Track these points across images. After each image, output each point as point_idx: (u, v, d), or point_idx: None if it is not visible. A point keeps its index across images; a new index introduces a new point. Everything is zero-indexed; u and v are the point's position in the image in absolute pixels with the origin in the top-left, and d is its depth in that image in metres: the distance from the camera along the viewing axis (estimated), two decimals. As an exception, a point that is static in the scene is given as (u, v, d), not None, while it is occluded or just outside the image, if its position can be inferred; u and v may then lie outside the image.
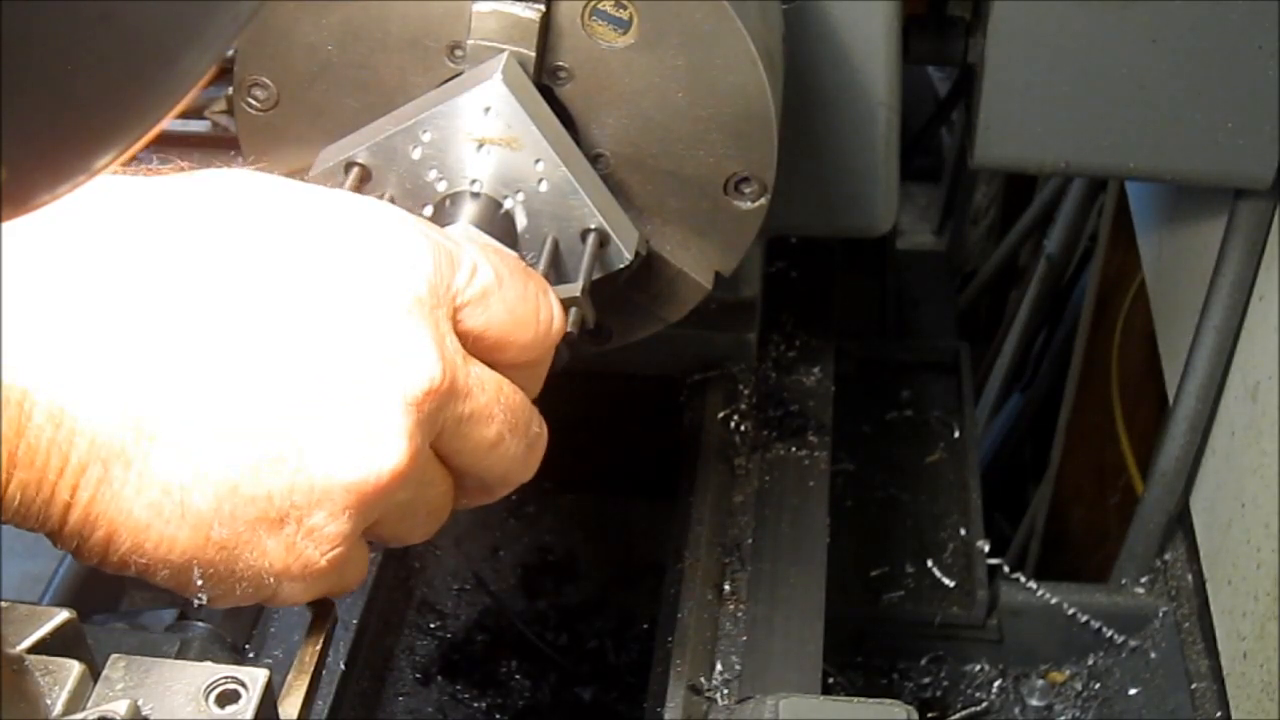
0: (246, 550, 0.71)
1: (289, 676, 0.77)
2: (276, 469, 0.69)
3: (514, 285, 0.80)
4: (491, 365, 0.79)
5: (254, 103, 0.95)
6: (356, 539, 0.75)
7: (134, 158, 0.47)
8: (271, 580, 0.72)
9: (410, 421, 0.72)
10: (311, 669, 0.77)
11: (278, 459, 0.69)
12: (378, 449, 0.71)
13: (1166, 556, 1.39)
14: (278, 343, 0.70)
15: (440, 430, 0.75)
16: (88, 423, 0.66)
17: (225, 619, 1.03)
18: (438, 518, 0.81)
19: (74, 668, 0.66)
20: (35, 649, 0.67)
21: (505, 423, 0.79)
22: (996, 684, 1.41)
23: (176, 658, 0.93)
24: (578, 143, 0.92)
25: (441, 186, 0.89)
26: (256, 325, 0.70)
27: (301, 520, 0.71)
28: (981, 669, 1.42)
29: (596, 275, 0.90)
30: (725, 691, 1.01)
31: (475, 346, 0.78)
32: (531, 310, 0.80)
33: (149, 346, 0.68)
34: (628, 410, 1.34)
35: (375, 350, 0.72)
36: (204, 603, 0.72)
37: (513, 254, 0.86)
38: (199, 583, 0.71)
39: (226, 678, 0.68)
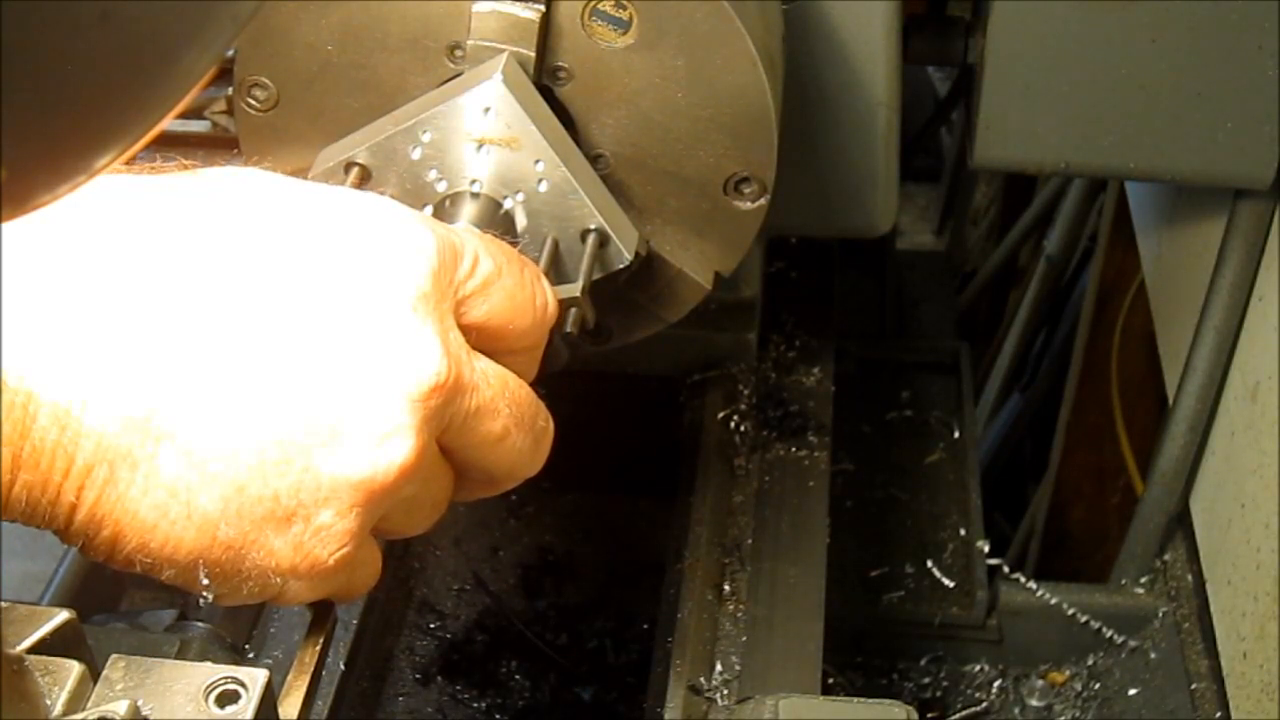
0: (253, 549, 0.71)
1: (289, 676, 0.77)
2: (283, 468, 0.70)
3: (511, 273, 0.80)
4: (489, 354, 0.79)
5: (254, 103, 0.95)
6: (365, 538, 0.75)
7: (134, 158, 0.47)
8: (278, 579, 0.72)
9: (417, 418, 0.72)
10: (311, 669, 0.77)
11: (284, 458, 0.70)
12: (385, 446, 0.71)
13: (1166, 556, 1.39)
14: (283, 342, 0.70)
15: (446, 425, 0.75)
16: (93, 424, 0.66)
17: (225, 619, 1.03)
18: (439, 510, 0.82)
19: (74, 668, 0.66)
20: (35, 649, 0.67)
21: (511, 417, 0.79)
22: (996, 684, 1.41)
23: (176, 658, 0.93)
24: (578, 143, 0.92)
25: (441, 187, 0.89)
26: (262, 325, 0.70)
27: (309, 519, 0.71)
28: (981, 669, 1.42)
29: (596, 275, 0.90)
30: (725, 691, 1.01)
31: (476, 337, 0.78)
32: (529, 297, 0.81)
33: (154, 347, 0.68)
34: (628, 410, 1.34)
35: (380, 347, 0.72)
36: (210, 601, 0.73)
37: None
38: (205, 581, 0.71)
39: (226, 678, 0.68)
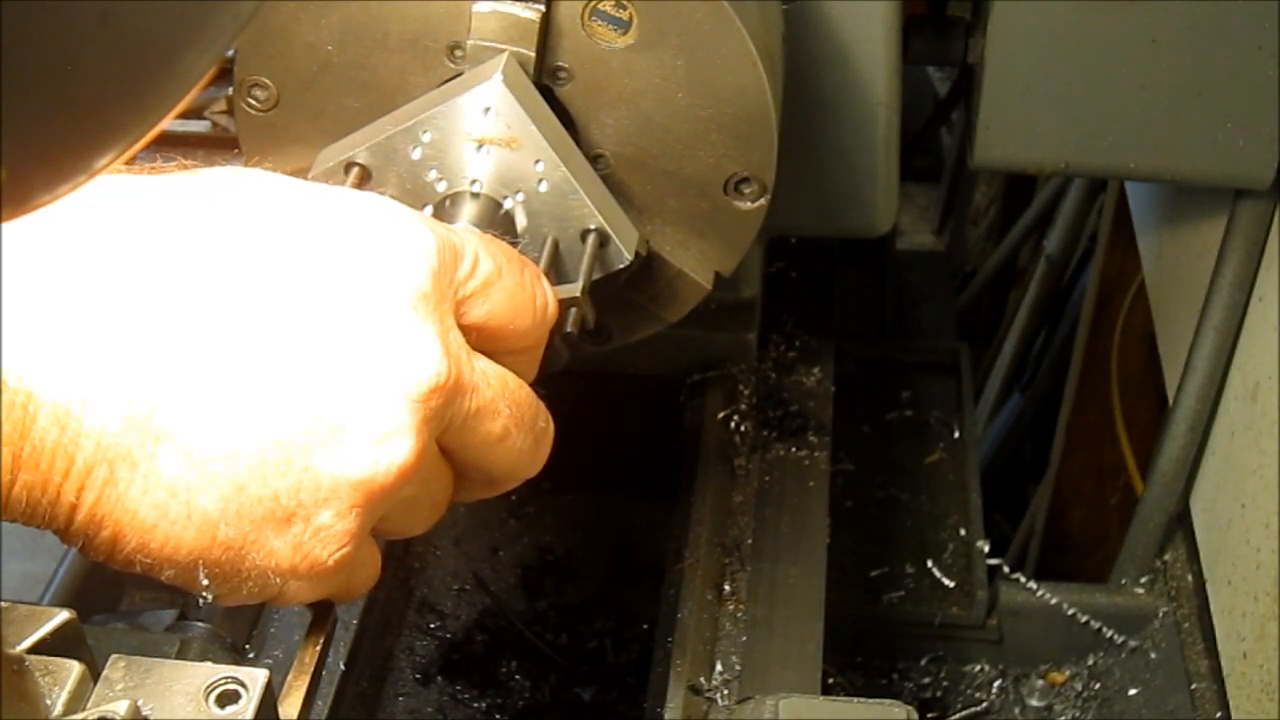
0: (253, 550, 0.71)
1: (289, 676, 0.77)
2: (283, 468, 0.70)
3: (512, 273, 0.80)
4: (488, 354, 0.79)
5: (254, 103, 0.95)
6: (365, 539, 0.75)
7: (134, 158, 0.47)
8: (278, 579, 0.72)
9: (417, 418, 0.72)
10: (311, 669, 0.77)
11: (285, 458, 0.70)
12: (385, 446, 0.71)
13: (1166, 556, 1.39)
14: (283, 342, 0.70)
15: (446, 426, 0.75)
16: (93, 424, 0.66)
17: (225, 619, 1.03)
18: (439, 510, 0.82)
19: (74, 668, 0.66)
20: (35, 649, 0.67)
21: (511, 417, 0.79)
22: (996, 684, 1.41)
23: (176, 658, 0.93)
24: (578, 143, 0.92)
25: (441, 187, 0.89)
26: (262, 325, 0.70)
27: (309, 519, 0.71)
28: (981, 669, 1.42)
29: (596, 275, 0.90)
30: (725, 691, 1.01)
31: (476, 337, 0.78)
32: (529, 297, 0.81)
33: (154, 347, 0.68)
34: (628, 410, 1.34)
35: (380, 347, 0.72)
36: (210, 601, 0.73)
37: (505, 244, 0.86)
38: (205, 581, 0.71)
39: (226, 678, 0.68)
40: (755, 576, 1.10)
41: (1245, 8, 1.08)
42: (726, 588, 1.09)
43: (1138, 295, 1.72)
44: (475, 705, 1.29)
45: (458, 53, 0.91)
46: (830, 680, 1.26)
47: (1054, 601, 1.38)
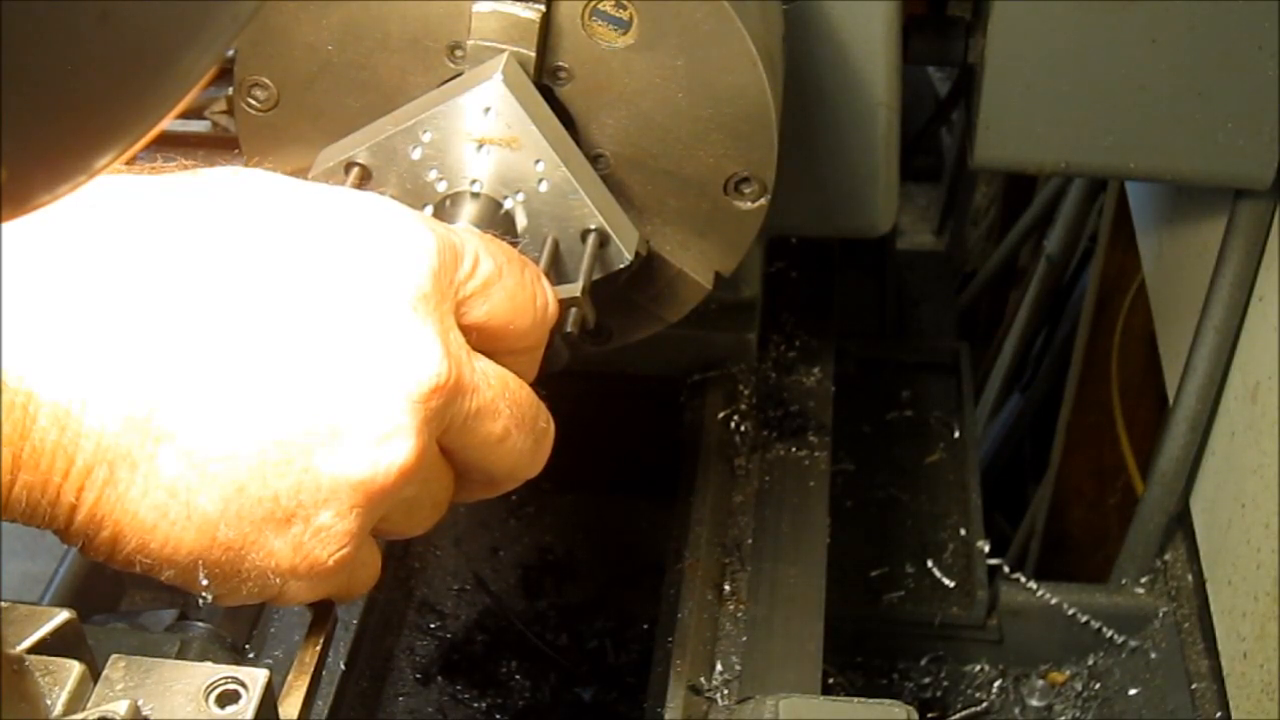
0: (253, 550, 0.71)
1: (289, 676, 0.77)
2: (283, 469, 0.70)
3: (512, 273, 0.80)
4: (489, 354, 0.79)
5: (254, 103, 0.95)
6: (365, 539, 0.75)
7: (134, 158, 0.47)
8: (278, 580, 0.72)
9: (417, 419, 0.72)
10: (311, 669, 0.77)
11: (285, 459, 0.70)
12: (385, 447, 0.71)
13: (1166, 556, 1.39)
14: (283, 342, 0.70)
15: (446, 426, 0.75)
16: (93, 424, 0.66)
17: (225, 619, 1.03)
18: (439, 510, 0.82)
19: (74, 668, 0.66)
20: (35, 649, 0.67)
21: (511, 418, 0.79)
22: (996, 684, 1.41)
23: (176, 658, 0.93)
24: (578, 143, 0.92)
25: (442, 187, 0.89)
26: (262, 325, 0.70)
27: (309, 520, 0.71)
28: (981, 669, 1.42)
29: (596, 275, 0.90)
30: (725, 691, 1.01)
31: (476, 338, 0.78)
32: (529, 297, 0.81)
33: (154, 347, 0.68)
34: (628, 410, 1.34)
35: (381, 348, 0.72)
36: (210, 601, 0.73)
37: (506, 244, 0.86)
38: (204, 582, 0.71)
39: (226, 678, 0.68)
40: (755, 576, 1.10)
41: (1245, 8, 1.08)
42: (726, 588, 1.09)
43: (1138, 295, 1.72)
44: (475, 705, 1.29)
45: (458, 53, 0.91)
46: (830, 680, 1.26)
47: (1054, 601, 1.38)
